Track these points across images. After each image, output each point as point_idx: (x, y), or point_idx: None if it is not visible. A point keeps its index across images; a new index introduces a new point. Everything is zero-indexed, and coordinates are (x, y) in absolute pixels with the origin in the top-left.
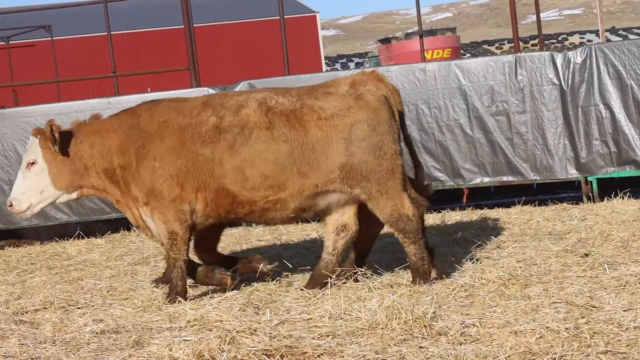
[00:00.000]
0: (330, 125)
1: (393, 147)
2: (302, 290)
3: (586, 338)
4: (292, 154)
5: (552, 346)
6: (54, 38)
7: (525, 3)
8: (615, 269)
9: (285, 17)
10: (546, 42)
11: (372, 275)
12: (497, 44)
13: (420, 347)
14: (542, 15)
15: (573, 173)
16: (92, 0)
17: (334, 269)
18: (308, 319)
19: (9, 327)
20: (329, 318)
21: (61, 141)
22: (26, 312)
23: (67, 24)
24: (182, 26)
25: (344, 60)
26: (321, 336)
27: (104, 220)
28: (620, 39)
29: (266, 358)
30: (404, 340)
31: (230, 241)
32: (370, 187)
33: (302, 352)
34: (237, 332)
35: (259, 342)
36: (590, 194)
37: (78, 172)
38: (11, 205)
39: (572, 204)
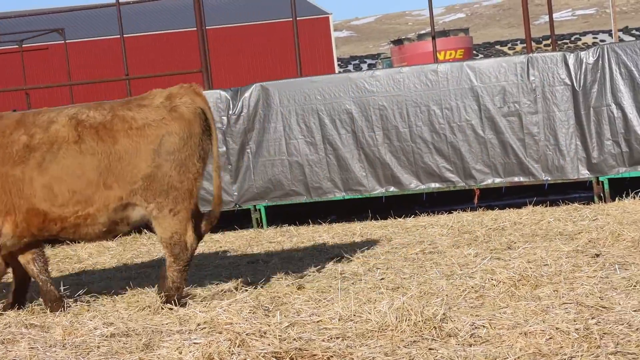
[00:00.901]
0: (140, 135)
1: (197, 165)
2: (315, 291)
3: (596, 339)
4: (99, 166)
5: (561, 347)
6: (67, 41)
7: (538, 3)
8: (626, 269)
9: (297, 18)
10: (559, 42)
11: (382, 276)
12: (509, 45)
13: (430, 349)
14: (555, 15)
15: (584, 173)
16: (105, 4)
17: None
18: (318, 321)
19: (19, 330)
20: (339, 320)
21: None
22: (36, 315)
23: (80, 27)
24: (195, 28)
25: (357, 61)
26: (331, 338)
27: None
28: (633, 39)
29: None
30: (414, 341)
31: (242, 243)
32: (165, 204)
33: (311, 355)
34: (247, 334)
35: (269, 345)
36: (602, 194)
37: None
38: None
39: (584, 204)
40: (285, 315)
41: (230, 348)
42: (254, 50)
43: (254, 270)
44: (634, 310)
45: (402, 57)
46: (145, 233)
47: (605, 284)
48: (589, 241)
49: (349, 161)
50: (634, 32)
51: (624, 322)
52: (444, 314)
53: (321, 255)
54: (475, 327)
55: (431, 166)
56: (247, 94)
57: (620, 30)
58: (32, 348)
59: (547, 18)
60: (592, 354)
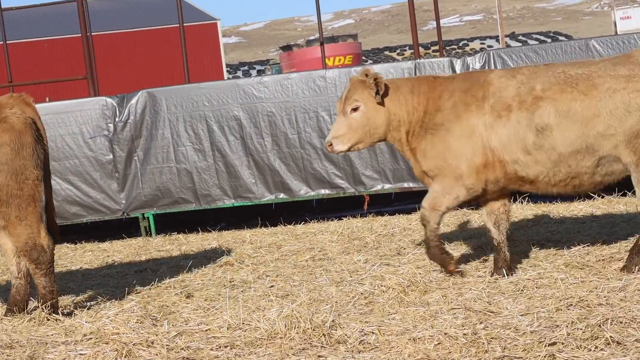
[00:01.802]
0: None
1: (35, 172)
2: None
3: (484, 343)
4: None
5: (450, 352)
6: None
7: (427, 9)
8: (514, 274)
9: (185, 24)
10: (447, 47)
11: (272, 284)
12: (398, 50)
13: (319, 356)
14: (442, 21)
15: None
16: None
17: (26, 292)
18: (206, 330)
19: None
20: (228, 328)
21: None
22: None
23: None
24: (80, 34)
25: (246, 67)
26: (219, 347)
27: None
28: (520, 44)
29: None
30: (303, 349)
31: (130, 252)
32: (9, 213)
33: None
34: (134, 344)
35: (157, 355)
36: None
37: None
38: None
39: (472, 209)
40: (173, 325)
41: (116, 359)
42: (141, 56)
43: (142, 279)
44: (521, 315)
45: (291, 63)
46: None
47: (493, 288)
48: (478, 246)
49: (238, 168)
50: (520, 37)
51: (511, 327)
52: (333, 320)
53: (210, 263)
54: (365, 334)
55: (321, 172)
56: (133, 101)
57: (507, 35)
58: None
59: (435, 24)
60: (480, 359)
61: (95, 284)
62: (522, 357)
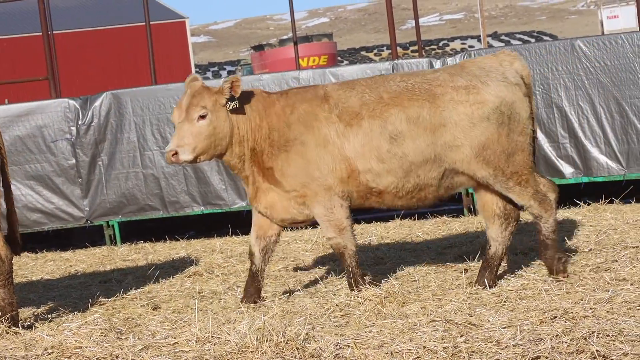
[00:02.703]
0: None
1: None
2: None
3: (464, 357)
4: None
5: None
6: None
7: (405, 7)
8: (496, 285)
9: (152, 22)
10: (426, 48)
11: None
12: (375, 50)
13: None
14: (421, 20)
15: None
16: None
17: None
18: (174, 344)
19: None
20: (197, 342)
21: None
22: None
23: None
24: (41, 33)
25: (216, 68)
26: None
27: None
28: (503, 44)
29: None
30: None
31: (93, 261)
32: None
33: None
34: (97, 359)
35: None
36: (471, 207)
37: None
38: None
39: (453, 217)
40: (139, 338)
41: None
42: (106, 56)
43: (107, 290)
44: (504, 327)
45: (264, 64)
46: None
47: (475, 300)
48: (459, 256)
49: (208, 173)
50: (503, 37)
51: (493, 340)
52: (307, 333)
53: (178, 273)
54: (340, 347)
55: None
56: (97, 103)
57: (489, 35)
58: None
59: (414, 23)
60: None
61: (57, 295)
62: None
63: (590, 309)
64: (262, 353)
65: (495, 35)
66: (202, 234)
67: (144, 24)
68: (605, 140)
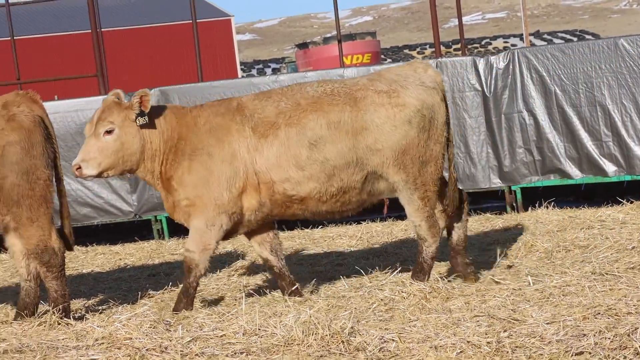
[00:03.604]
0: None
1: (46, 172)
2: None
3: (508, 352)
4: None
5: None
6: None
7: (448, 6)
8: (539, 281)
9: (198, 20)
10: (469, 46)
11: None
12: (418, 49)
13: None
14: (464, 19)
15: (496, 182)
16: None
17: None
18: (222, 336)
19: None
20: (244, 334)
21: None
22: None
23: None
24: (90, 30)
25: (261, 65)
26: (235, 353)
27: None
28: (545, 43)
29: None
30: (321, 356)
31: (142, 255)
32: (20, 214)
33: None
34: (147, 350)
35: None
36: (514, 204)
37: None
38: None
39: (496, 214)
40: (187, 330)
41: None
42: (154, 53)
43: (155, 283)
44: (547, 323)
45: (308, 62)
46: None
47: (518, 296)
48: (502, 252)
49: None
50: (545, 36)
51: (536, 335)
52: (352, 327)
53: (225, 267)
54: (385, 341)
55: None
56: None
57: (531, 34)
58: None
59: (456, 22)
60: None
61: (107, 288)
62: None
63: (634, 305)
64: (308, 346)
65: (537, 34)
66: None
67: (190, 22)
68: None
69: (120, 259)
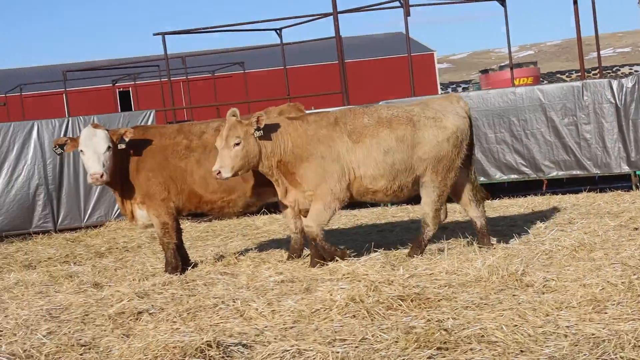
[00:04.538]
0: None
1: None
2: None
3: (637, 290)
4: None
5: (611, 295)
6: (246, 71)
7: (588, 43)
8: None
9: (412, 54)
10: (604, 72)
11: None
12: (567, 74)
13: (514, 295)
14: (601, 52)
15: (625, 168)
16: (273, 44)
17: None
18: (431, 274)
19: (216, 276)
20: (446, 273)
21: None
22: (228, 266)
23: (256, 60)
24: (337, 62)
25: (454, 86)
26: (440, 286)
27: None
28: None
29: (400, 302)
30: (501, 290)
31: (372, 217)
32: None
33: (426, 298)
34: (379, 282)
35: (395, 290)
36: (638, 184)
37: None
38: None
39: (625, 191)
40: (406, 269)
41: (367, 292)
42: (378, 77)
43: (382, 237)
44: None
45: (488, 83)
46: None
47: None
48: (630, 218)
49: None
50: None
51: None
52: (523, 270)
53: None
54: (547, 280)
55: (511, 162)
56: None
57: None
58: (226, 289)
59: (595, 54)
60: (635, 301)
61: (349, 239)
62: None
63: None
64: (492, 282)
65: None
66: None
67: (405, 55)
68: None
69: (357, 220)
